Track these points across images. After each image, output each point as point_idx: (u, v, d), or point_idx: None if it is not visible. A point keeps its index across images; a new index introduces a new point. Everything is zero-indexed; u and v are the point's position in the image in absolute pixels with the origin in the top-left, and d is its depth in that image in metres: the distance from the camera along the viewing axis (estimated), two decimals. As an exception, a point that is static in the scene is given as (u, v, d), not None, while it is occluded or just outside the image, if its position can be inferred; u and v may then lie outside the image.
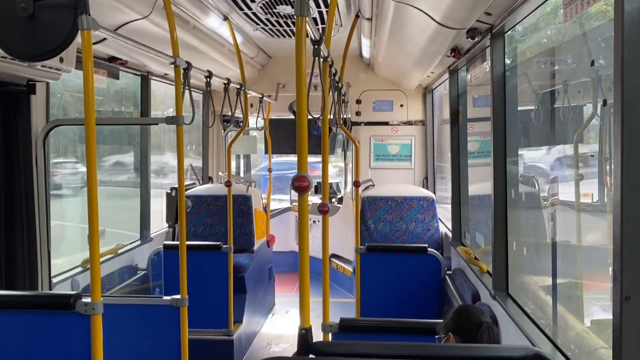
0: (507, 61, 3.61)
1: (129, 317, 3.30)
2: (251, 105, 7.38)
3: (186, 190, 5.98)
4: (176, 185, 5.60)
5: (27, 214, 3.65)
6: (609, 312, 1.89)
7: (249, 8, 4.49)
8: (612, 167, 2.28)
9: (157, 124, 6.18)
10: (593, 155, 3.04)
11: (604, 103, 2.70)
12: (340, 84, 4.41)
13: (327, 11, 4.43)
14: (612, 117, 1.91)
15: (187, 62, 3.46)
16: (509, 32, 3.55)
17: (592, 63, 2.72)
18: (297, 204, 2.30)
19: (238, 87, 5.22)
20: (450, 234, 5.65)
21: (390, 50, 5.31)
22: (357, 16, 4.74)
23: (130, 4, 3.44)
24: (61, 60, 3.25)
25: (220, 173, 7.75)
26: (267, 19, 4.90)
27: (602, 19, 2.52)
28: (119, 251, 5.09)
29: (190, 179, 7.39)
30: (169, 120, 3.20)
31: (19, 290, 3.54)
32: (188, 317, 3.27)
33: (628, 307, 1.70)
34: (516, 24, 3.39)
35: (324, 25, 4.78)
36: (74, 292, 2.54)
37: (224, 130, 8.01)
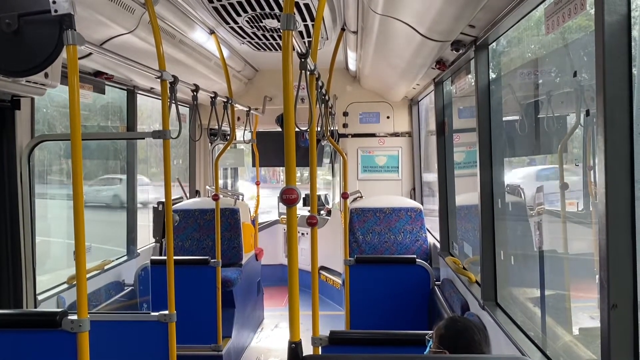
0: (492, 73, 3.65)
1: (116, 334, 3.25)
2: (238, 119, 7.39)
3: (173, 204, 5.95)
4: (163, 200, 5.59)
5: (11, 231, 3.60)
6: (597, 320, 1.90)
7: (235, 22, 4.51)
8: (597, 176, 2.31)
9: (143, 138, 6.16)
10: (578, 165, 3.08)
11: (587, 113, 2.74)
12: (327, 97, 4.43)
13: (313, 25, 4.46)
14: (595, 127, 1.94)
15: (174, 76, 3.46)
16: (493, 44, 3.60)
17: (575, 74, 2.77)
18: (285, 216, 2.29)
19: (225, 100, 5.22)
20: (438, 245, 5.67)
21: (376, 62, 5.35)
22: (342, 29, 4.77)
23: (116, 18, 3.44)
24: (46, 75, 3.23)
25: (207, 187, 7.72)
26: (254, 33, 4.92)
27: (583, 32, 2.57)
28: (106, 267, 5.04)
29: (176, 192, 7.35)
30: (155, 134, 3.19)
31: (4, 309, 3.48)
32: (176, 332, 3.23)
33: (615, 315, 1.72)
34: (499, 36, 3.44)
35: (310, 39, 4.81)
36: (60, 310, 2.50)
37: (211, 143, 8.00)
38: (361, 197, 6.64)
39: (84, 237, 2.20)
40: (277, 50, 5.72)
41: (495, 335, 3.17)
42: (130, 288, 5.29)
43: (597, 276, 1.83)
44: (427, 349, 2.46)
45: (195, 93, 4.39)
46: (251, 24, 4.57)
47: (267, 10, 4.13)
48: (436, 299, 4.82)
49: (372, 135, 7.48)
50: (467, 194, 4.92)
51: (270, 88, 7.45)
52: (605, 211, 1.74)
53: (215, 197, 5.11)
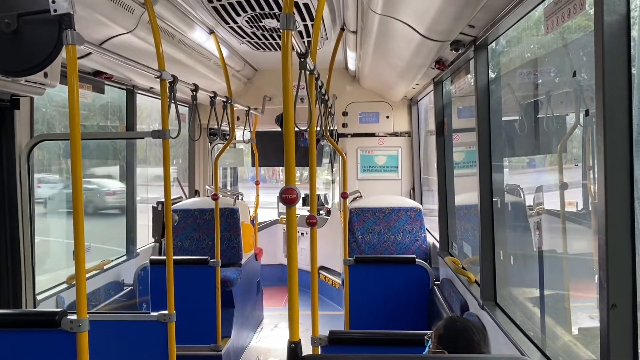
0: (491, 73, 3.65)
1: (115, 334, 3.25)
2: (238, 118, 7.39)
3: (172, 204, 5.95)
4: (162, 199, 5.59)
5: (11, 231, 3.59)
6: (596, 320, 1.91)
7: (235, 22, 4.50)
8: (596, 176, 2.32)
9: (143, 138, 6.17)
10: (577, 165, 3.08)
11: (586, 113, 2.74)
12: (326, 96, 4.42)
13: (312, 24, 4.46)
14: (595, 127, 1.94)
15: (173, 76, 3.46)
16: (492, 44, 3.60)
17: (574, 74, 2.77)
18: (285, 216, 2.29)
19: (224, 100, 5.22)
20: (437, 244, 5.67)
21: (375, 62, 5.35)
22: (342, 29, 4.77)
23: (116, 18, 3.44)
24: (45, 75, 3.23)
25: (207, 186, 7.72)
26: (253, 33, 4.91)
27: (582, 32, 2.57)
28: (105, 267, 5.04)
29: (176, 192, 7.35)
30: (155, 134, 3.19)
31: (3, 308, 3.47)
32: (176, 332, 3.23)
33: (615, 314, 1.72)
34: (499, 36, 3.44)
35: (310, 39, 4.81)
36: (59, 310, 2.50)
37: (211, 143, 8.00)
38: (361, 196, 6.64)
39: (84, 237, 2.20)
40: (276, 50, 5.72)
41: (494, 335, 3.17)
42: (130, 288, 5.29)
43: (597, 276, 1.83)
44: (426, 349, 2.46)
45: (194, 93, 4.39)
46: (251, 23, 4.57)
47: (267, 10, 4.13)
48: (435, 298, 4.82)
49: (372, 135, 7.48)
50: (466, 194, 4.92)
51: (270, 88, 7.45)
52: (605, 211, 1.74)
53: (215, 197, 5.11)
